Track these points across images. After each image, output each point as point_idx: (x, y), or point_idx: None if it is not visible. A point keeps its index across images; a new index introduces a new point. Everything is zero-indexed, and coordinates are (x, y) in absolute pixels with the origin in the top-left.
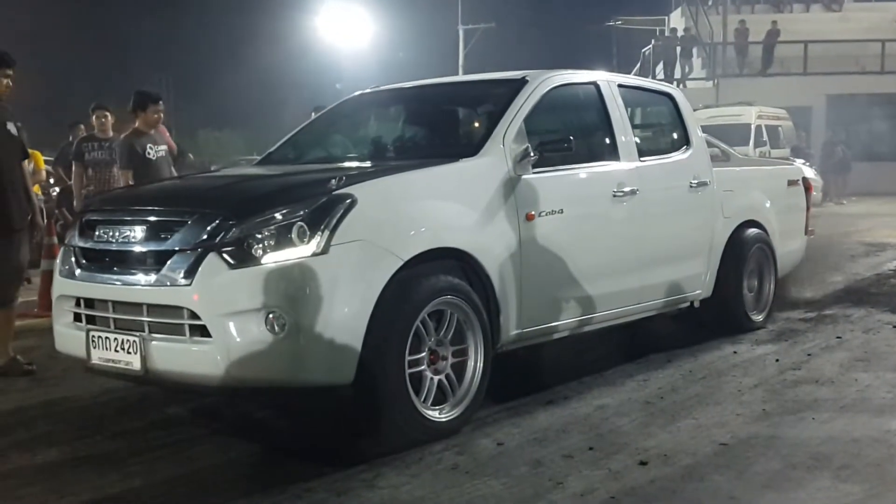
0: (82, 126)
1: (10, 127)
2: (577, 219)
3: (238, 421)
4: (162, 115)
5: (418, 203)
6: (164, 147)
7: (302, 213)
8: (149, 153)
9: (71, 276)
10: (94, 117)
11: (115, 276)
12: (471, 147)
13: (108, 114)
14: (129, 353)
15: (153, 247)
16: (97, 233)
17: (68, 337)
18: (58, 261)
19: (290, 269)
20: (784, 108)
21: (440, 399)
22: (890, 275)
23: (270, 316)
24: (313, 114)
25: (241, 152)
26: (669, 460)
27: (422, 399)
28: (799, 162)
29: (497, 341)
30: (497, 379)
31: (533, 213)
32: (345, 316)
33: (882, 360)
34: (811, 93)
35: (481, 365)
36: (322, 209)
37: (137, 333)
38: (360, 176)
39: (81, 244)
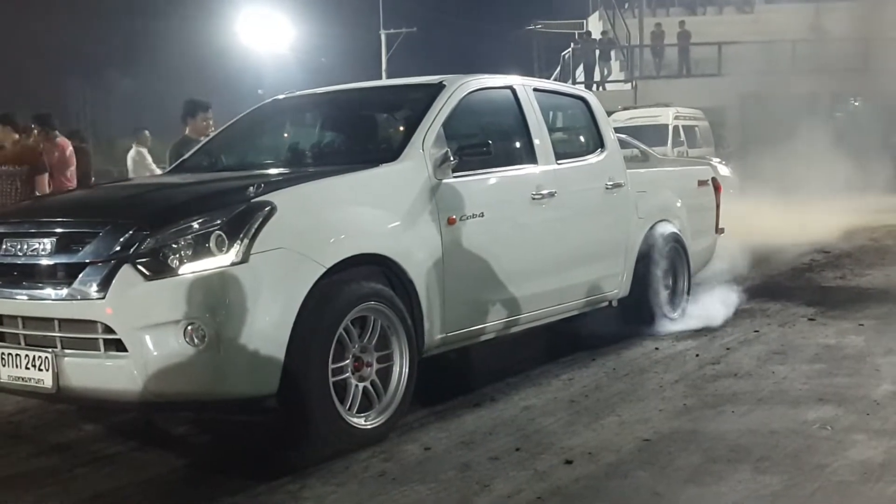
0: None
1: None
2: (498, 222)
3: (159, 437)
4: (211, 122)
5: (339, 209)
6: None
7: (220, 221)
8: None
9: None
10: None
11: (24, 291)
12: (390, 152)
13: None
14: (40, 370)
15: (64, 259)
16: (3, 246)
17: None
18: None
19: (208, 279)
20: (700, 108)
21: (366, 406)
22: (804, 269)
23: (189, 328)
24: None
25: (162, 161)
26: (594, 458)
27: (347, 407)
28: (715, 161)
29: (422, 346)
30: (424, 383)
31: (454, 217)
32: (267, 325)
33: (798, 353)
34: (726, 93)
35: (406, 370)
36: (240, 217)
37: (49, 350)
38: (280, 183)
39: None
